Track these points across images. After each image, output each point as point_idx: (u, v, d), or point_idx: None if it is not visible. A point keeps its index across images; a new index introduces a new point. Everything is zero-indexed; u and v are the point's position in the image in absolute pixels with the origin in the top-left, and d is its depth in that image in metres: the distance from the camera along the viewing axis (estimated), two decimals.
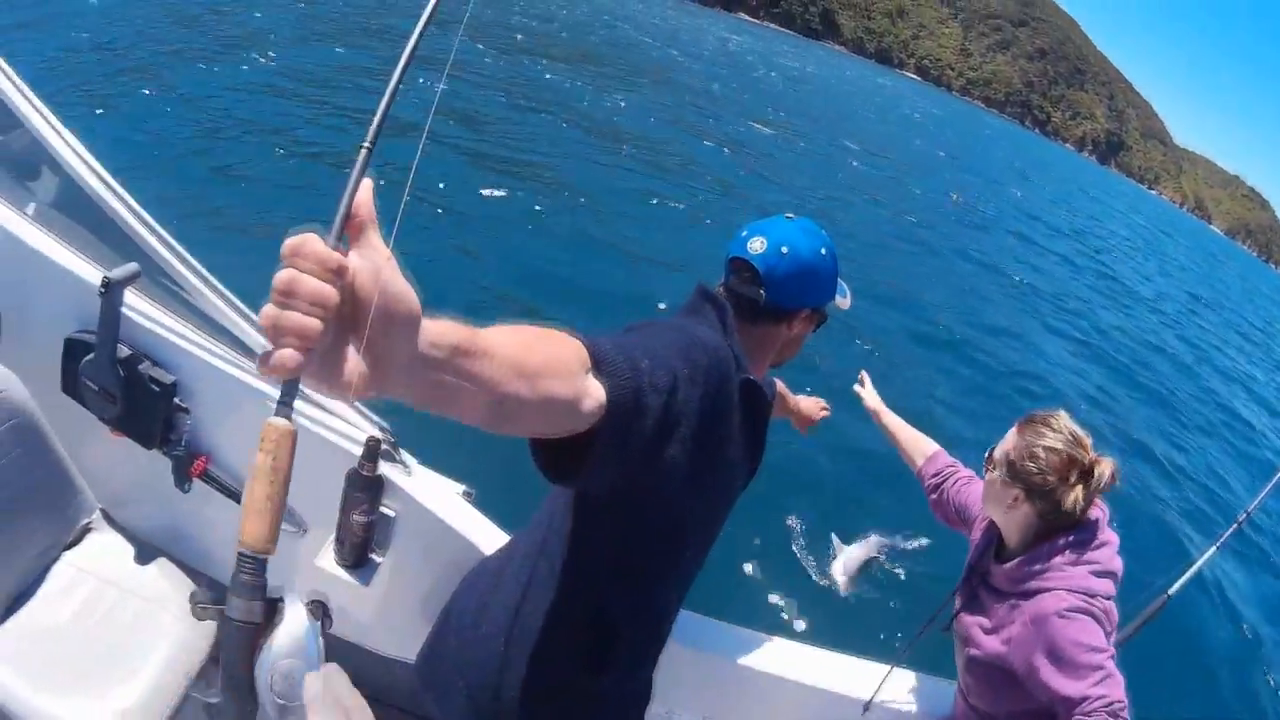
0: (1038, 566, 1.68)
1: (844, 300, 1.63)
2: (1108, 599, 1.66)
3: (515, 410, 0.82)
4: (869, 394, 2.35)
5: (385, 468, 1.87)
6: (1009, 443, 1.73)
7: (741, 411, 1.36)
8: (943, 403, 7.79)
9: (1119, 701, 1.51)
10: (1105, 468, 1.65)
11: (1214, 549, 2.20)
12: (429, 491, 1.91)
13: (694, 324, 1.35)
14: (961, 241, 17.15)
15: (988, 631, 1.75)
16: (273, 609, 0.76)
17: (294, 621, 0.83)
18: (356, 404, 1.88)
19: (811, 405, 2.22)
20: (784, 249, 1.45)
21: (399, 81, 0.75)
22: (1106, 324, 15.94)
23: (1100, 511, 1.75)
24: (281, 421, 0.71)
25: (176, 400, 2.01)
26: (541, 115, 13.71)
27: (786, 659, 2.10)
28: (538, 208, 9.09)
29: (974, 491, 2.03)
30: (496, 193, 9.17)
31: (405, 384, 0.71)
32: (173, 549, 2.17)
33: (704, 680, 2.08)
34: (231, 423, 2.01)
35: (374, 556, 1.97)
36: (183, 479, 2.08)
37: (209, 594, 0.84)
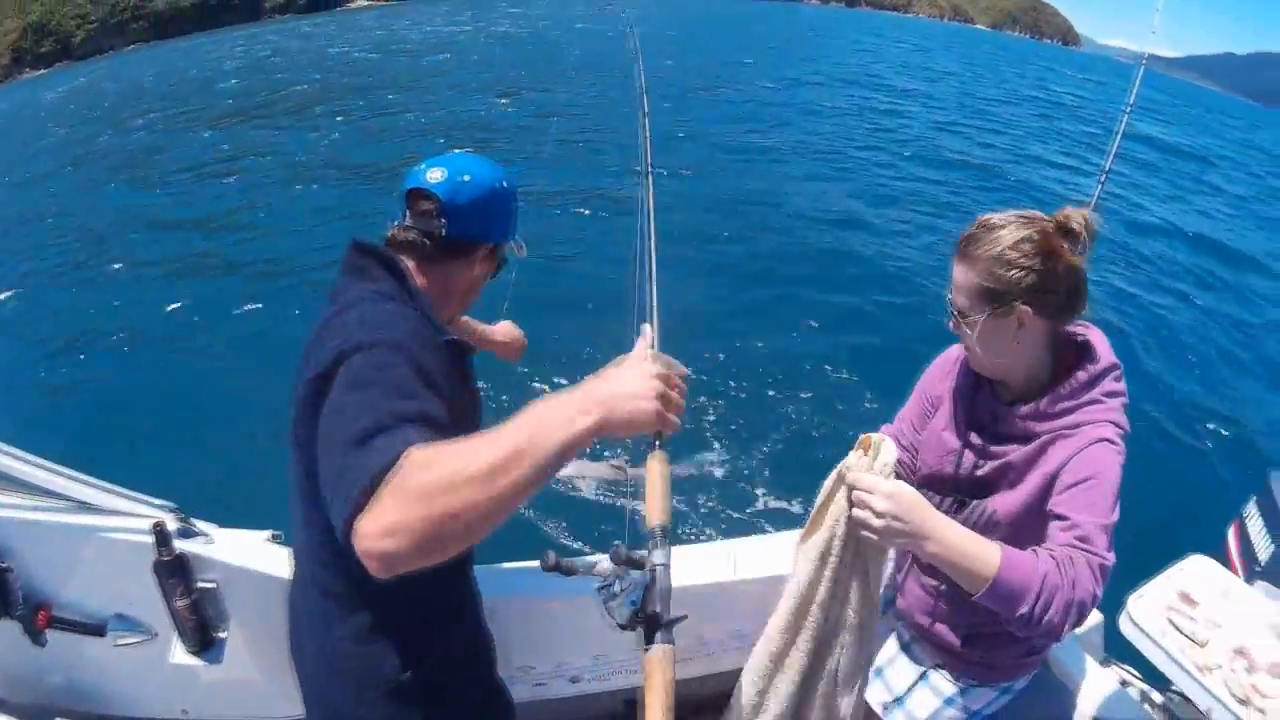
0: (1075, 401, 1.35)
1: (521, 248, 1.49)
2: None
3: None
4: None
5: (186, 544, 1.73)
6: (969, 275, 1.33)
7: (454, 366, 1.28)
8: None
9: (1110, 561, 1.21)
10: (1074, 215, 1.30)
11: (1097, 193, 2.11)
12: (238, 550, 1.76)
13: (371, 311, 1.18)
14: (738, 136, 16.40)
15: (1019, 478, 1.39)
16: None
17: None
18: (123, 489, 1.74)
19: (508, 330, 1.96)
20: (465, 176, 1.34)
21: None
22: (910, 156, 15.94)
23: (1101, 335, 1.46)
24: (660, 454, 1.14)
25: None
26: None
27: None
28: None
29: (908, 415, 1.71)
30: None
31: None
32: (64, 704, 2.01)
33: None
34: (56, 562, 1.83)
35: (219, 634, 1.82)
36: (35, 634, 1.87)
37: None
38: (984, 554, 1.19)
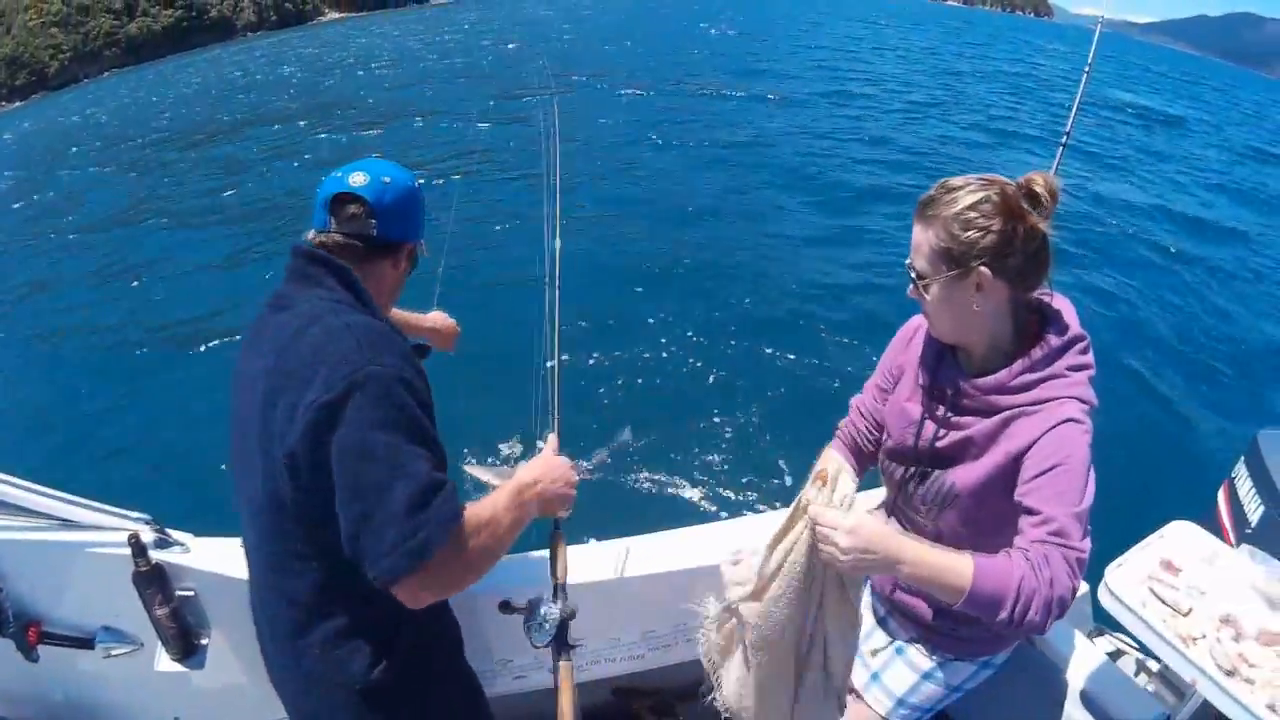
0: (1038, 374, 1.28)
1: (424, 248, 1.53)
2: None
3: None
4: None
5: (162, 554, 1.71)
6: (927, 235, 1.28)
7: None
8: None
9: (1086, 552, 1.15)
10: (1036, 179, 1.24)
11: (1059, 158, 2.08)
12: (214, 558, 1.73)
13: (361, 329, 1.20)
14: (731, 129, 16.10)
15: (980, 453, 1.34)
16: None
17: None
18: (100, 504, 1.74)
19: (440, 319, 1.99)
20: (386, 178, 1.36)
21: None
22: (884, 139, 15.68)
23: (1068, 305, 1.38)
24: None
25: None
26: None
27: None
28: None
29: (873, 385, 1.66)
30: None
31: None
32: (60, 717, 2.00)
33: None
34: (42, 579, 1.81)
35: (201, 640, 1.81)
36: (27, 651, 1.86)
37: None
38: (957, 568, 1.14)
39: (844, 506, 1.23)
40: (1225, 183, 15.75)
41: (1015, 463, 1.26)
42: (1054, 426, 1.23)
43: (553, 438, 1.56)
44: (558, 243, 1.94)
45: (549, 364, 1.76)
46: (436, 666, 1.39)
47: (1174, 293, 8.74)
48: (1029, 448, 1.24)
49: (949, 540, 1.40)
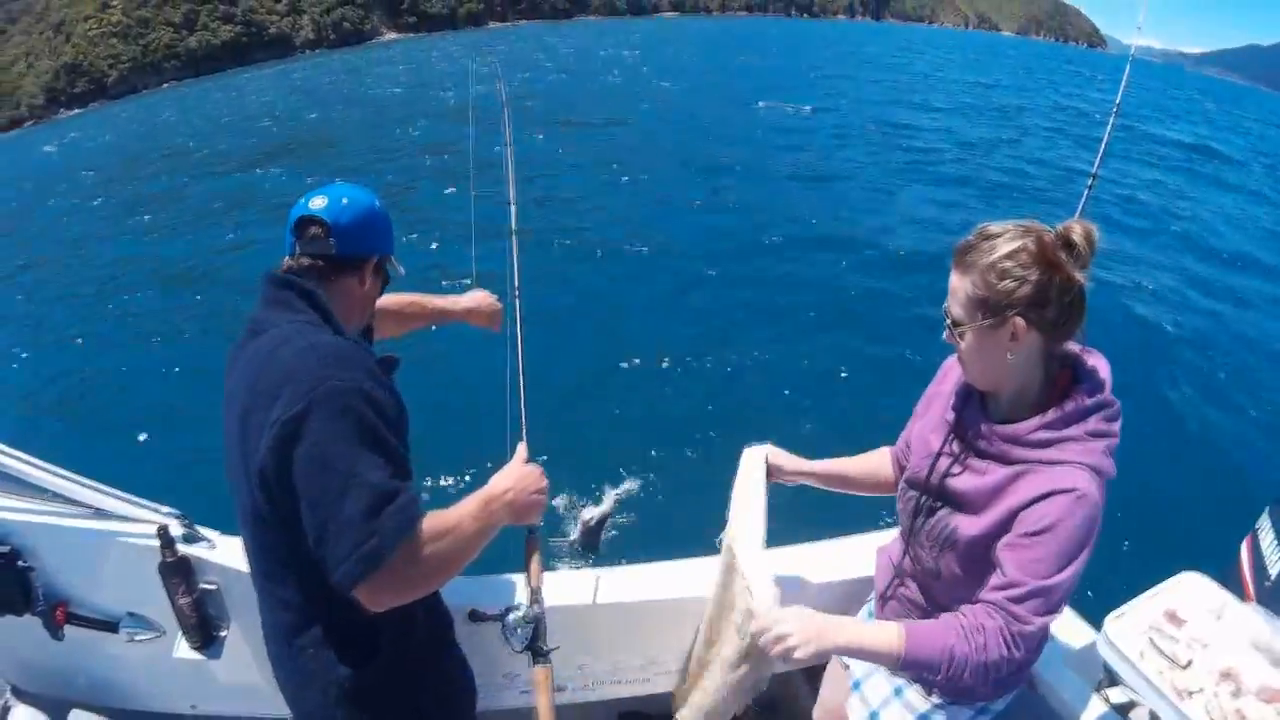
0: (1057, 434, 1.27)
1: (398, 267, 1.61)
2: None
3: None
4: (787, 461, 1.78)
5: (189, 548, 1.81)
6: (964, 283, 1.28)
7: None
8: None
9: (1034, 627, 1.19)
10: (1075, 228, 1.24)
11: (1084, 200, 2.01)
12: (239, 556, 1.78)
13: (325, 347, 1.26)
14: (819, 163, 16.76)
15: (985, 503, 1.34)
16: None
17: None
18: (134, 497, 1.84)
19: (482, 298, 2.05)
20: (344, 199, 1.45)
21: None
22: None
23: (1104, 364, 1.37)
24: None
25: (20, 564, 1.90)
26: None
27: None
28: None
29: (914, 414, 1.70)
30: None
31: None
32: (80, 695, 2.09)
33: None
34: (73, 563, 1.92)
35: (220, 632, 1.90)
36: (54, 629, 1.96)
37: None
38: (886, 641, 1.27)
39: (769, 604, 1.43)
40: (1270, 223, 15.38)
41: (1013, 516, 1.27)
42: (1055, 492, 1.23)
43: (522, 447, 1.59)
44: (515, 252, 2.02)
45: (516, 373, 1.82)
46: (424, 666, 1.44)
47: (1206, 336, 8.57)
48: (1027, 505, 1.25)
49: (946, 579, 1.44)
